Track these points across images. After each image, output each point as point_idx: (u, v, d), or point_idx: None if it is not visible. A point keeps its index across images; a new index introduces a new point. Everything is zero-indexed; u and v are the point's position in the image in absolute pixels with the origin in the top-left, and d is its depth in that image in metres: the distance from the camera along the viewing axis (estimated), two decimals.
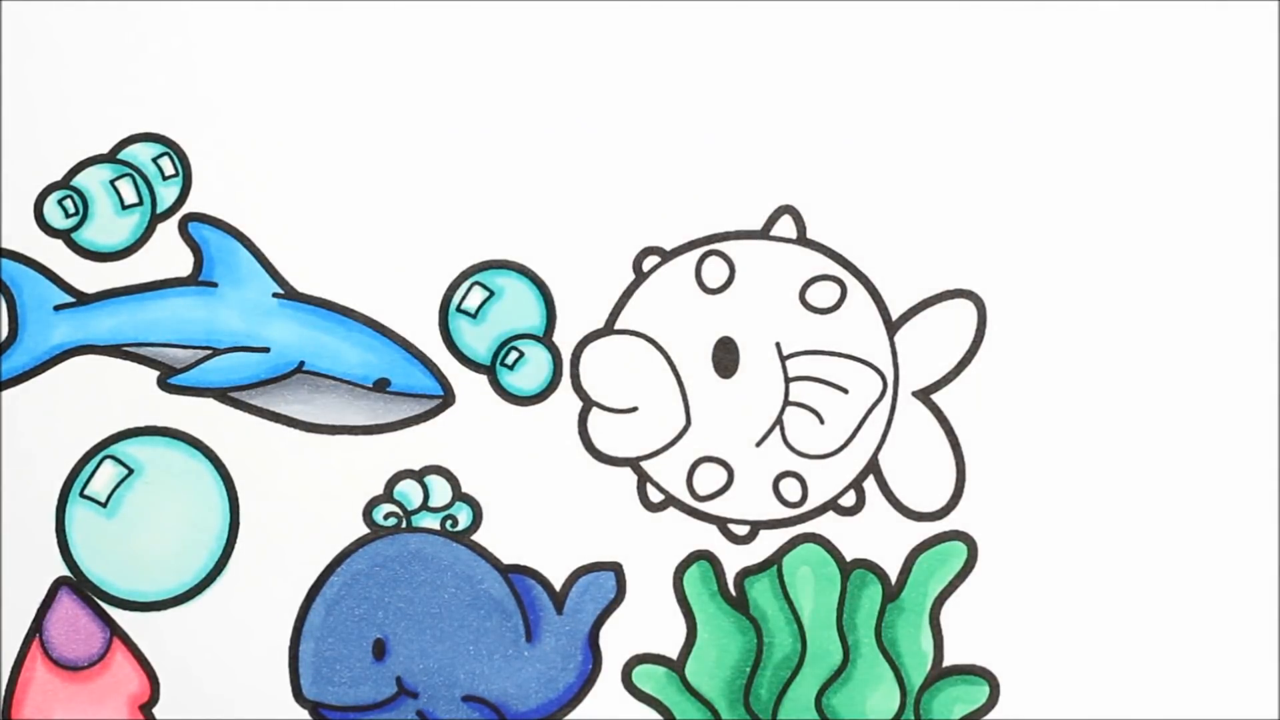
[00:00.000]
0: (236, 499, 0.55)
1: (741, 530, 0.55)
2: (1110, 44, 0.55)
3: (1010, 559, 0.54)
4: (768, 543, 0.55)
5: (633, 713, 0.54)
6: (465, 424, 0.56)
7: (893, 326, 0.55)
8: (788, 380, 0.55)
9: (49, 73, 0.58)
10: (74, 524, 0.55)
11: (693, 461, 0.55)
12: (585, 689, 0.54)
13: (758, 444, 0.55)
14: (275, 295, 0.56)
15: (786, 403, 0.55)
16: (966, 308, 0.55)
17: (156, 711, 0.54)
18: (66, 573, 0.55)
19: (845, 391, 0.55)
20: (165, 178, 0.57)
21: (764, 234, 0.55)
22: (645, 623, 0.54)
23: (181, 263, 0.57)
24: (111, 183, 0.57)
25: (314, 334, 0.56)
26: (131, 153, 0.58)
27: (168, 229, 0.57)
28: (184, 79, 0.58)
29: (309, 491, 0.55)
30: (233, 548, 0.55)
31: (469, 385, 0.56)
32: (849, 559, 0.54)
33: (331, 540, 0.55)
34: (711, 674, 0.54)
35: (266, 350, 0.56)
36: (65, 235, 0.57)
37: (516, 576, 0.55)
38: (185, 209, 0.57)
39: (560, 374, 0.56)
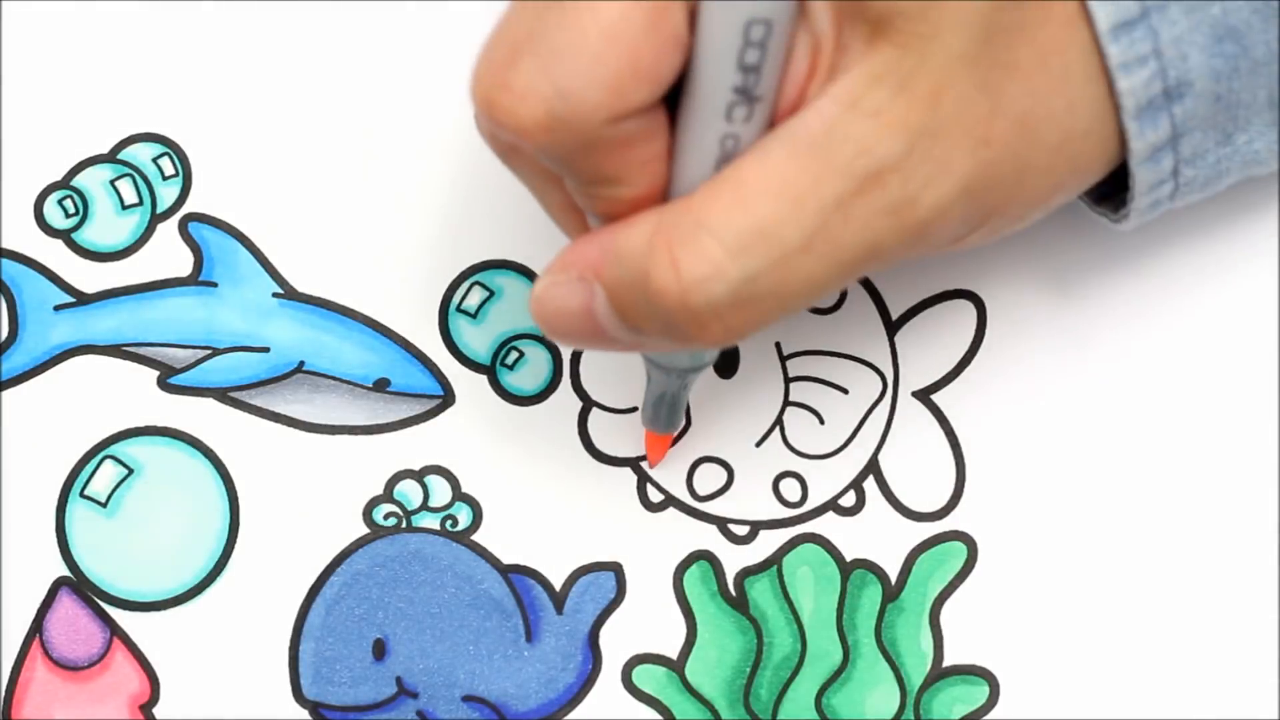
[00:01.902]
0: (236, 499, 0.55)
1: (741, 530, 0.55)
2: None
3: (1010, 559, 0.54)
4: (768, 543, 0.55)
5: (633, 713, 0.54)
6: (465, 424, 0.56)
7: (893, 326, 0.55)
8: (788, 380, 0.55)
9: (49, 73, 0.58)
10: (74, 524, 0.55)
11: (693, 461, 0.55)
12: (585, 689, 0.54)
13: (758, 444, 0.55)
14: (275, 295, 0.56)
15: (786, 403, 0.55)
16: (966, 308, 0.55)
17: (156, 711, 0.54)
18: (66, 573, 0.55)
19: (845, 391, 0.55)
20: (165, 178, 0.57)
21: None
22: (645, 623, 0.54)
23: (181, 263, 0.57)
24: (111, 183, 0.57)
25: (314, 334, 0.56)
26: (131, 153, 0.58)
27: (168, 229, 0.57)
28: (184, 79, 0.58)
29: (309, 491, 0.55)
30: (233, 548, 0.55)
31: (469, 385, 0.56)
32: (849, 559, 0.54)
33: (331, 540, 0.55)
34: (711, 674, 0.54)
35: (266, 350, 0.56)
36: (65, 235, 0.57)
37: (516, 576, 0.55)
38: (185, 209, 0.57)
39: (560, 374, 0.56)
